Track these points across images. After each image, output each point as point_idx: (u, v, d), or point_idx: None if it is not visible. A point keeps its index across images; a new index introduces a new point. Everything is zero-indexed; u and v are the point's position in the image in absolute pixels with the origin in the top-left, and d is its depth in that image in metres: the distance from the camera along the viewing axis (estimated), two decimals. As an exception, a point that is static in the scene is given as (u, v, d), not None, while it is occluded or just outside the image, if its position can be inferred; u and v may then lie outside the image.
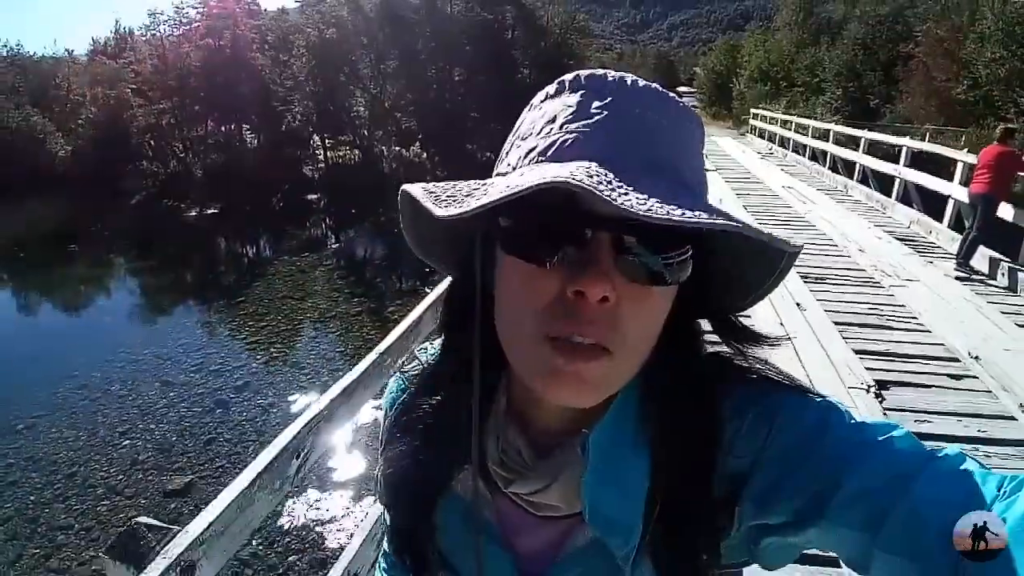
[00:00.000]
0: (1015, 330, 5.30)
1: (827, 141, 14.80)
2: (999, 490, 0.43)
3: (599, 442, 0.56)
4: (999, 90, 21.76)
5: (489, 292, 0.57)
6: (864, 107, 28.17)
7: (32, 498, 6.31)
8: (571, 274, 0.48)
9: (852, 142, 13.91)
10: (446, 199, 0.52)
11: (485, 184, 0.54)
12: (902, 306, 5.76)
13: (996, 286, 6.54)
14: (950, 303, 5.89)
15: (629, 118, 0.49)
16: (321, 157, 25.69)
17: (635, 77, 0.53)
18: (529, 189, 0.42)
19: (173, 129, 26.92)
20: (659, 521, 0.56)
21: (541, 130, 0.52)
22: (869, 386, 4.19)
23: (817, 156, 15.50)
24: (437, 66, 25.45)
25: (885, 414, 3.87)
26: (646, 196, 0.42)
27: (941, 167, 9.76)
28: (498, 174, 0.55)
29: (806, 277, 6.31)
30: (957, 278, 6.62)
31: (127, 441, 7.22)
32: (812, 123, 17.53)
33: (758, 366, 0.60)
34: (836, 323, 5.29)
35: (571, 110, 0.51)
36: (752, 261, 0.54)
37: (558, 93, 0.53)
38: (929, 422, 3.84)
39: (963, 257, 6.75)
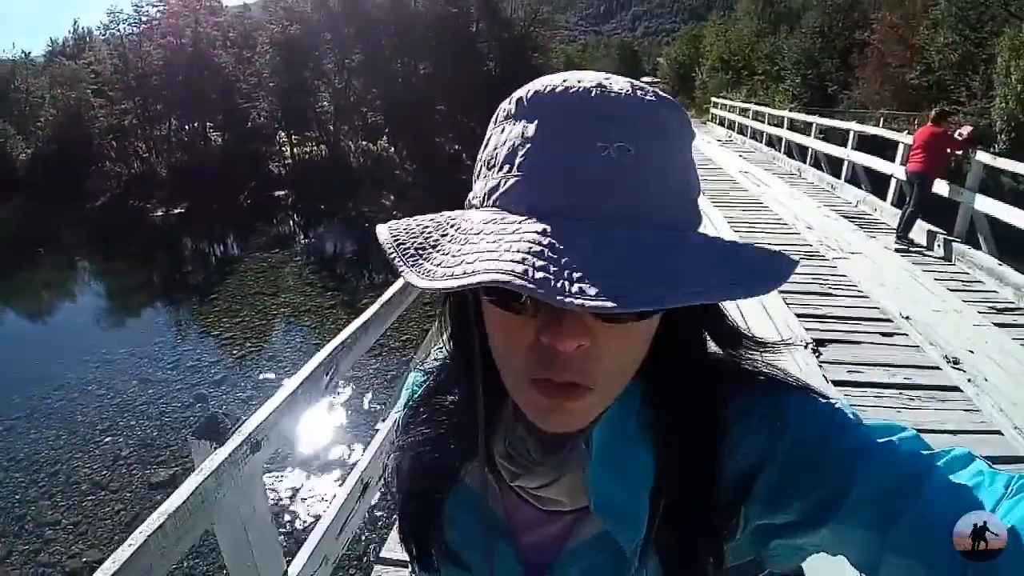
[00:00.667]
0: (946, 294, 5.80)
1: (782, 127, 15.41)
2: (1006, 488, 0.44)
3: (602, 435, 0.57)
4: (951, 74, 22.49)
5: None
6: (823, 94, 28.92)
7: (16, 497, 6.40)
8: (545, 323, 0.47)
9: (806, 128, 14.51)
10: (415, 252, 0.50)
11: (455, 223, 0.51)
12: (843, 276, 6.24)
13: (933, 256, 7.05)
14: (887, 272, 6.38)
15: (590, 157, 0.46)
16: (288, 153, 25.68)
17: (603, 85, 0.49)
18: (469, 286, 0.42)
19: (135, 129, 26.68)
20: (664, 517, 0.56)
21: (500, 164, 0.49)
22: (807, 343, 4.62)
23: (773, 142, 16.13)
24: (402, 60, 25.59)
25: (821, 366, 4.32)
26: (601, 277, 0.41)
27: (888, 149, 10.30)
28: (470, 204, 0.53)
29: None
30: (897, 250, 7.12)
31: (108, 438, 7.32)
32: (768, 110, 18.13)
33: (763, 368, 0.60)
34: (779, 291, 5.69)
35: (527, 146, 0.48)
36: None
37: (517, 116, 0.50)
38: (860, 373, 4.30)
39: (902, 231, 7.25)
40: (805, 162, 12.94)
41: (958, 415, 3.80)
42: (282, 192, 23.58)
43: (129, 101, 26.25)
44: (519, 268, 0.41)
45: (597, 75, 0.51)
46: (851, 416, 0.55)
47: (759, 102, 25.06)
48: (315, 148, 26.14)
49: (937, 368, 4.38)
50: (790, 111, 17.80)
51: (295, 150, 25.59)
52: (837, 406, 0.56)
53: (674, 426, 0.57)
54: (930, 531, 0.43)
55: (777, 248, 0.47)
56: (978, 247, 6.87)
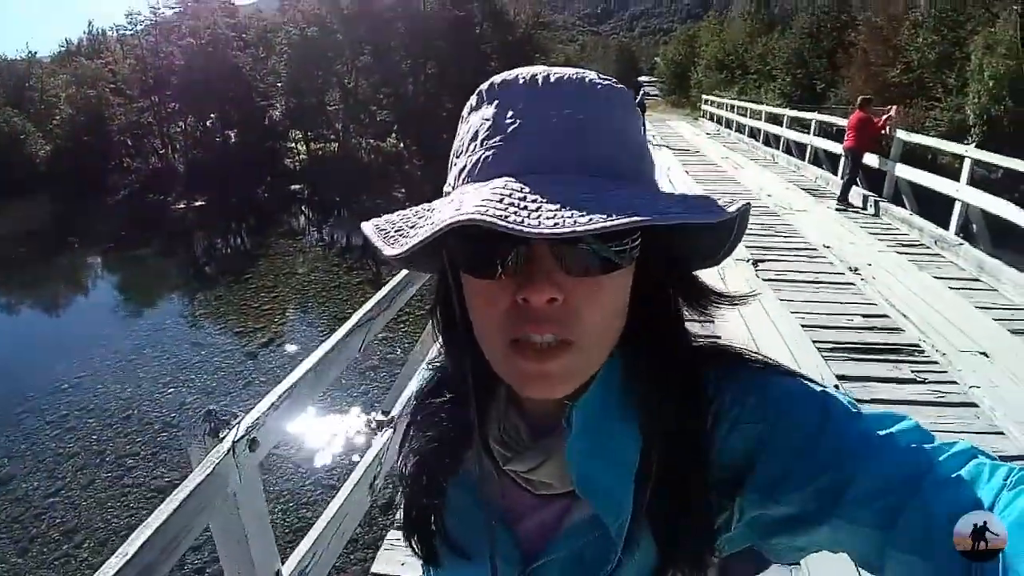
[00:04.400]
0: (865, 236, 7.98)
1: (761, 120, 17.72)
2: (1005, 480, 0.46)
3: (583, 414, 0.59)
4: (930, 73, 24.55)
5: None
6: (811, 92, 31.04)
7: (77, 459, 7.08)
8: (518, 282, 0.51)
9: (780, 120, 16.77)
10: (394, 234, 0.55)
11: (432, 208, 0.56)
12: (788, 225, 8.44)
13: (866, 214, 9.21)
14: (823, 223, 8.55)
15: (544, 121, 0.52)
16: (302, 150, 27.66)
17: (549, 72, 0.56)
18: (439, 231, 0.47)
19: (152, 126, 28.54)
20: (651, 498, 0.57)
21: (467, 147, 0.55)
22: (749, 259, 6.72)
23: (755, 133, 18.46)
24: (411, 61, 27.69)
25: (757, 276, 6.36)
26: (557, 206, 0.45)
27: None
28: (445, 192, 0.58)
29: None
30: (837, 209, 9.28)
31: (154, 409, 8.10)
32: (750, 105, 20.38)
33: (752, 354, 0.63)
34: None
35: (488, 123, 0.54)
36: (702, 229, 0.55)
37: (479, 105, 0.57)
38: (786, 276, 6.45)
39: (841, 195, 9.41)
40: (779, 149, 15.24)
41: (855, 303, 5.80)
42: (298, 186, 25.27)
43: (146, 99, 28.12)
44: (480, 210, 0.46)
45: (547, 68, 0.57)
46: (846, 404, 0.56)
47: (749, 99, 27.12)
48: (327, 145, 28.15)
49: (841, 273, 6.54)
50: (776, 107, 19.94)
51: (311, 146, 27.56)
52: (830, 393, 0.57)
53: (657, 403, 0.58)
54: (933, 527, 0.45)
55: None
56: (903, 205, 8.97)
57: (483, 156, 0.53)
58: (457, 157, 0.57)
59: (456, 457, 0.69)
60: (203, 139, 28.08)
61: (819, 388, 0.58)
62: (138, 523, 1.39)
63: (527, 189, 0.47)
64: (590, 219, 0.44)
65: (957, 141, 10.04)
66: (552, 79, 0.55)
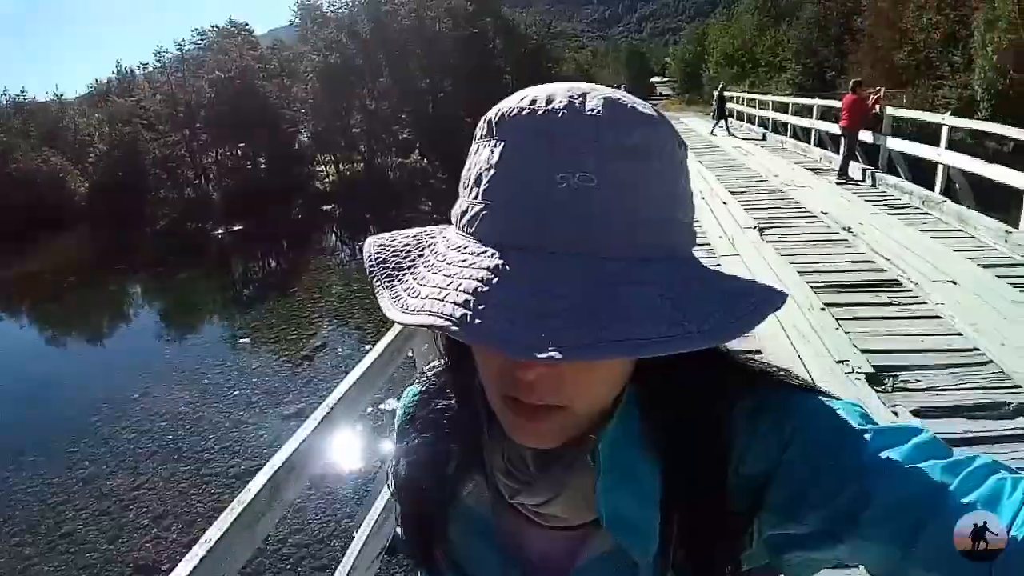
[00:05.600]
0: (860, 202, 9.09)
1: (768, 109, 18.80)
2: None
3: (607, 448, 0.57)
4: (936, 52, 25.34)
5: None
6: (822, 80, 31.91)
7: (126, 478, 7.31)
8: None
9: (787, 108, 17.96)
10: (392, 271, 0.53)
11: (432, 241, 0.55)
12: (791, 199, 9.51)
13: (865, 186, 10.25)
14: (823, 195, 9.67)
15: (548, 188, 0.46)
16: (331, 171, 29.23)
17: (568, 102, 0.48)
18: (416, 324, 0.47)
19: (185, 158, 30.24)
20: (678, 527, 0.57)
21: (470, 188, 0.51)
22: (755, 226, 7.83)
23: (764, 123, 19.52)
24: (428, 80, 29.13)
25: (763, 239, 7.42)
26: (516, 328, 0.42)
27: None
28: (453, 215, 0.54)
29: (732, 190, 10.28)
30: (838, 183, 10.30)
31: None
32: (758, 96, 21.46)
33: (769, 368, 0.62)
34: (739, 202, 9.07)
35: (490, 173, 0.49)
36: None
37: (487, 137, 0.51)
38: (787, 237, 7.48)
39: (840, 171, 10.48)
40: (787, 136, 16.34)
41: (846, 253, 6.86)
42: (329, 206, 26.51)
43: (178, 133, 29.82)
44: (458, 312, 0.44)
45: (571, 89, 0.50)
46: (863, 419, 0.55)
47: (762, 92, 28.12)
48: (354, 166, 29.68)
49: (836, 232, 7.65)
50: (779, 96, 21.00)
51: (339, 167, 29.11)
52: (848, 407, 0.57)
53: (678, 431, 0.57)
54: (954, 545, 0.44)
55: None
56: (898, 174, 10.01)
57: (480, 211, 0.49)
58: (463, 188, 0.53)
59: (454, 485, 0.67)
60: (235, 167, 29.71)
61: (836, 403, 0.58)
62: (222, 506, 1.59)
63: (507, 289, 0.44)
64: (564, 342, 0.41)
65: (968, 117, 10.90)
66: (577, 116, 0.47)
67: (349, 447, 6.72)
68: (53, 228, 24.67)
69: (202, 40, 30.05)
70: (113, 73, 35.83)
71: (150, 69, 31.78)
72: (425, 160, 28.20)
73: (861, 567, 0.53)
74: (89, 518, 6.84)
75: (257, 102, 28.32)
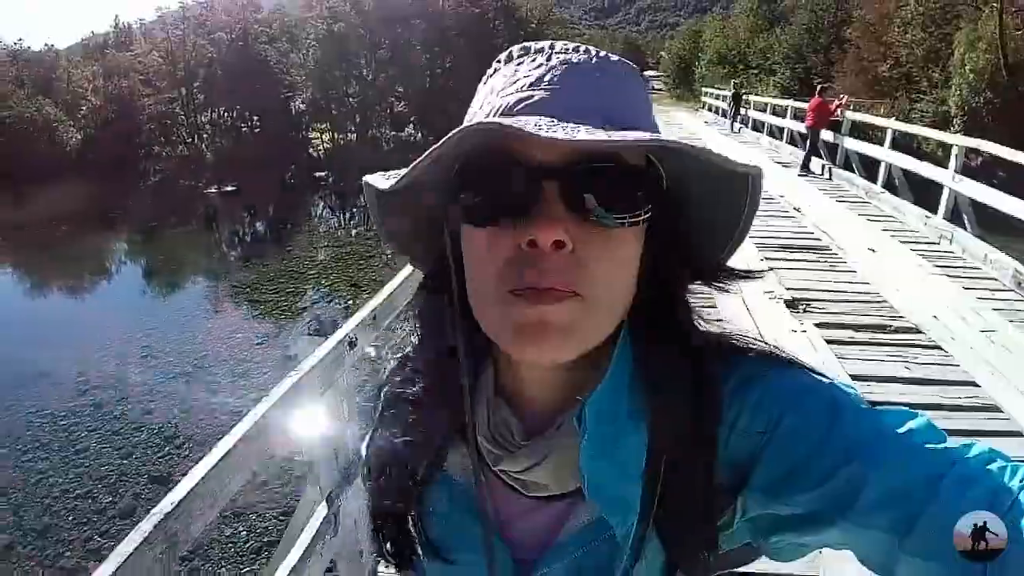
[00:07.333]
0: (814, 190, 10.56)
1: (750, 108, 20.50)
2: (1023, 482, 0.46)
3: (594, 412, 0.56)
4: (917, 67, 26.94)
5: (463, 282, 0.59)
6: (809, 85, 33.37)
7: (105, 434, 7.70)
8: (524, 227, 0.50)
9: (765, 107, 19.49)
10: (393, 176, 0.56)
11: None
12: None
13: (822, 178, 11.75)
14: (784, 183, 11.10)
15: (578, 77, 0.54)
16: (326, 139, 30.33)
17: (577, 44, 0.58)
18: (456, 135, 0.47)
19: (180, 117, 31.16)
20: (660, 500, 0.56)
21: (502, 90, 0.55)
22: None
23: (745, 121, 21.04)
24: (429, 55, 30.30)
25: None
26: (575, 126, 0.46)
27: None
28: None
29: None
30: (799, 175, 11.79)
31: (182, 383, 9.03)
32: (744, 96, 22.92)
33: (761, 346, 0.62)
34: None
35: (526, 77, 0.54)
36: (717, 200, 0.56)
37: (516, 58, 0.58)
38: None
39: (803, 165, 11.99)
40: (764, 133, 17.90)
41: (792, 227, 8.28)
42: (322, 173, 27.66)
43: (175, 90, 30.73)
44: (488, 119, 0.48)
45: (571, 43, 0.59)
46: (853, 398, 0.55)
47: (746, 92, 29.73)
48: (348, 136, 30.81)
49: (786, 211, 9.07)
50: (759, 96, 22.56)
51: (334, 135, 30.21)
52: (838, 386, 0.57)
53: (667, 400, 0.57)
54: (950, 533, 0.44)
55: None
56: (853, 171, 11.55)
57: (522, 98, 0.53)
58: (480, 106, 0.57)
59: (437, 456, 0.66)
60: (230, 128, 30.69)
61: (826, 380, 0.57)
62: (230, 424, 1.65)
63: (536, 107, 0.51)
64: (610, 135, 0.46)
65: (942, 130, 12.42)
66: (581, 48, 0.57)
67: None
68: (41, 179, 25.26)
69: (205, 1, 30.85)
70: (111, 27, 36.49)
71: (148, 24, 32.49)
72: (420, 135, 29.38)
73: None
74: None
75: (256, 65, 29.28)
